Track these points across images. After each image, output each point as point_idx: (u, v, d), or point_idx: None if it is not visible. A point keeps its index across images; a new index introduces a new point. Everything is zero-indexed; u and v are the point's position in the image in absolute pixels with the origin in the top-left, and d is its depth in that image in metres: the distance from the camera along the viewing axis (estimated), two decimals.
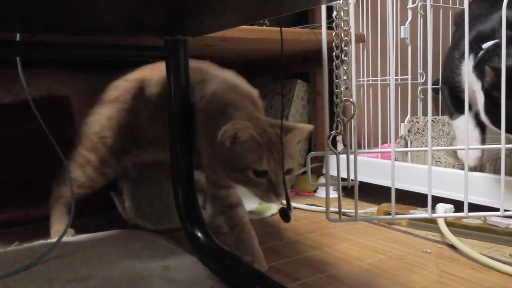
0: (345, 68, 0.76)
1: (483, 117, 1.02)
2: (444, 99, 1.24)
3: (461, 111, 1.13)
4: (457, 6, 1.59)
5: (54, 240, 0.94)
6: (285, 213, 0.79)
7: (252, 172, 0.78)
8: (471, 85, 1.04)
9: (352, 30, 0.79)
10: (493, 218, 0.99)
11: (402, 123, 1.43)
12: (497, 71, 0.88)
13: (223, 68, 0.99)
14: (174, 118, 0.93)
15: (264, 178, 0.79)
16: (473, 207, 0.94)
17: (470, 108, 1.16)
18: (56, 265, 0.85)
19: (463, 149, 0.73)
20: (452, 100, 1.20)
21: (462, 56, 1.10)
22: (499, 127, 0.81)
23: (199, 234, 0.89)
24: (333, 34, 0.79)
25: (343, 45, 0.77)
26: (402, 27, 1.33)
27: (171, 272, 0.81)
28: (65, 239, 0.93)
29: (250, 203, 1.31)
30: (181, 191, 0.93)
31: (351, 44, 0.77)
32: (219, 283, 0.78)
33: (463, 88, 1.08)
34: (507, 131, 0.83)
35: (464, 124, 1.12)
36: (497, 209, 0.72)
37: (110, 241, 0.99)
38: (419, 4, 1.36)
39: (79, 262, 0.86)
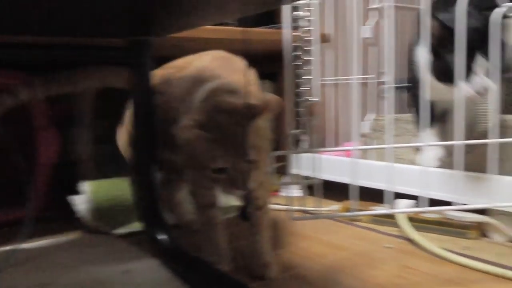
0: (307, 67, 0.77)
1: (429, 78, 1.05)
2: (410, 103, 1.27)
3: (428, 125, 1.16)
4: (420, 6, 1.63)
5: (14, 247, 0.92)
6: (243, 213, 0.77)
7: (210, 171, 0.76)
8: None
9: (317, 30, 0.79)
10: (451, 212, 1.02)
11: (365, 122, 1.46)
12: (442, 24, 0.91)
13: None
14: (136, 119, 0.91)
15: (225, 174, 0.75)
16: (433, 202, 0.96)
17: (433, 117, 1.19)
18: (17, 272, 0.83)
19: (422, 145, 0.75)
20: (414, 106, 1.22)
21: (417, 43, 1.13)
22: (443, 81, 0.84)
23: (161, 237, 0.88)
24: (296, 34, 0.80)
25: (305, 46, 0.77)
26: (365, 27, 1.35)
27: (132, 276, 0.80)
28: (25, 245, 0.91)
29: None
30: (142, 193, 0.92)
31: (314, 44, 0.78)
32: (182, 285, 0.77)
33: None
34: (444, 80, 0.87)
35: (428, 137, 1.16)
36: (455, 204, 0.74)
37: (70, 246, 0.97)
38: (383, 5, 1.38)
39: (39, 268, 0.84)
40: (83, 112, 1.32)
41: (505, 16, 0.94)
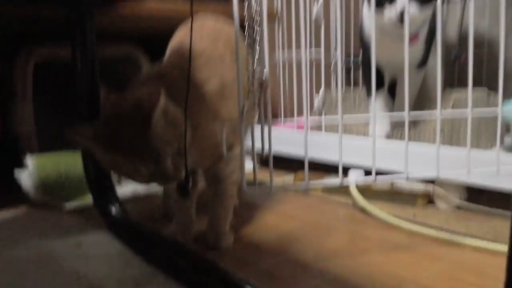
0: (257, 45, 0.76)
1: None
2: (363, 75, 1.29)
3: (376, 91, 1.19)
4: None
5: None
6: (183, 189, 0.74)
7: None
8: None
9: (264, 8, 0.78)
10: (399, 181, 1.05)
11: (316, 96, 1.47)
12: None
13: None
14: (79, 93, 0.88)
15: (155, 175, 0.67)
16: (383, 173, 0.99)
17: (383, 85, 1.22)
18: None
19: (371, 116, 0.77)
20: (366, 79, 1.25)
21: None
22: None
23: (113, 210, 0.86)
24: (245, 9, 0.78)
25: (255, 20, 0.76)
26: (315, 4, 1.35)
27: (84, 249, 0.78)
28: None
29: None
30: (92, 166, 0.89)
31: (262, 21, 0.77)
32: (135, 257, 0.76)
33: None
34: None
35: (377, 103, 1.19)
36: (403, 173, 0.77)
37: (16, 221, 0.93)
38: None
39: None
40: (24, 86, 1.25)
41: None
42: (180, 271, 0.69)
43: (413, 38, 1.07)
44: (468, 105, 0.72)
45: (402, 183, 1.05)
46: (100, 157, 0.67)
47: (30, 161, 1.06)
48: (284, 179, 1.26)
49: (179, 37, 0.88)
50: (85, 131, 0.65)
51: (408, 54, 1.01)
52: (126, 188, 1.17)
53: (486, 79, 1.45)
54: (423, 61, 1.16)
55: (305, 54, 0.79)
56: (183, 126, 0.67)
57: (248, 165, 1.28)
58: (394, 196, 1.05)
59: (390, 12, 1.01)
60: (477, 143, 1.11)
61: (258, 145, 0.70)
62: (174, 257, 0.72)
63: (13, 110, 1.24)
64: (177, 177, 0.68)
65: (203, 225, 0.84)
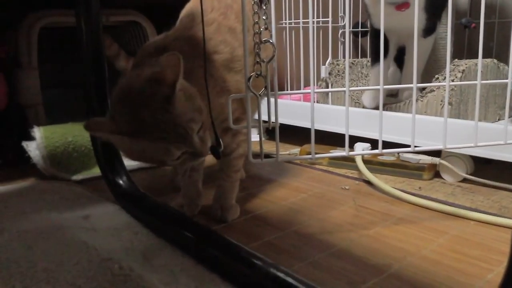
0: (264, 7, 0.74)
1: None
2: (370, 45, 1.28)
3: (379, 59, 1.18)
4: None
5: None
6: (215, 151, 0.74)
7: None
8: None
9: None
10: (405, 154, 1.05)
11: (323, 66, 1.46)
12: None
13: None
14: (84, 61, 0.87)
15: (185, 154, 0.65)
16: (389, 145, 0.99)
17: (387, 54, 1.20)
18: None
19: (378, 88, 0.76)
20: (374, 46, 1.23)
21: None
22: None
23: (121, 181, 0.87)
24: None
25: None
26: None
27: (92, 221, 0.79)
28: None
29: None
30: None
31: None
32: (144, 229, 0.77)
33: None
34: None
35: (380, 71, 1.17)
36: (409, 146, 0.76)
37: (24, 193, 0.94)
38: None
39: None
40: (29, 54, 1.24)
41: None
42: (187, 244, 0.70)
43: (401, 5, 1.06)
44: (478, 75, 0.71)
45: (408, 156, 1.05)
46: (126, 148, 0.64)
47: (38, 133, 1.06)
48: (290, 151, 1.26)
49: (190, 6, 0.86)
50: (105, 125, 0.62)
51: (401, 20, 1.00)
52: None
53: (496, 49, 1.43)
54: (429, 29, 1.13)
55: (313, 21, 0.77)
56: (197, 98, 0.66)
57: (255, 137, 1.29)
58: (400, 168, 1.05)
59: None
60: (484, 116, 1.10)
61: (264, 116, 0.69)
62: (181, 230, 0.73)
63: (19, 81, 1.24)
64: (205, 152, 0.66)
65: (210, 198, 0.85)
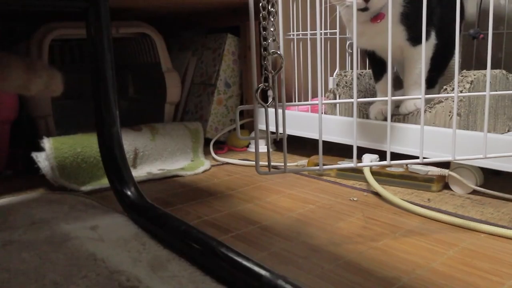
0: (272, 19, 0.75)
1: None
2: (368, 62, 1.27)
3: (379, 77, 1.18)
4: None
5: None
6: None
7: None
8: None
9: None
10: (414, 166, 1.05)
11: (331, 77, 1.46)
12: None
13: None
14: (93, 73, 0.88)
15: None
16: (397, 157, 0.98)
17: (384, 69, 1.20)
18: None
19: (386, 99, 0.76)
20: (372, 65, 1.23)
21: None
22: None
23: (129, 192, 0.87)
24: None
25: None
26: None
27: (100, 232, 0.79)
28: None
29: (182, 160, 1.30)
30: (108, 148, 0.90)
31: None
32: (151, 240, 0.77)
33: None
34: None
35: (382, 87, 1.18)
36: (418, 157, 0.76)
37: (33, 204, 0.95)
38: None
39: (2, 225, 0.82)
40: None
41: None
42: (194, 255, 0.70)
43: (376, 17, 1.03)
44: (487, 86, 0.71)
45: (417, 167, 1.04)
46: None
47: (47, 143, 1.07)
48: (298, 163, 1.26)
49: None
50: None
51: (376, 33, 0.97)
52: (142, 171, 1.19)
53: (504, 60, 1.42)
54: (416, 38, 1.10)
55: (320, 32, 0.78)
56: None
57: (262, 148, 1.29)
58: (408, 180, 1.05)
59: None
60: (494, 127, 1.10)
61: (272, 128, 0.70)
62: (188, 241, 0.73)
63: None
64: None
65: (218, 209, 0.85)
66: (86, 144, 1.11)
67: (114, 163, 0.91)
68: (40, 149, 1.08)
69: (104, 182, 1.05)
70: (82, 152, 1.10)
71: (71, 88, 1.45)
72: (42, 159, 1.06)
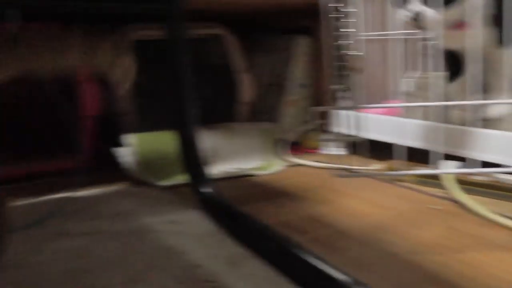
0: (349, 20, 0.73)
1: None
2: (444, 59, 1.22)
3: (455, 75, 1.14)
4: None
5: (66, 195, 0.96)
6: None
7: None
8: None
9: None
10: (502, 174, 0.98)
11: (410, 79, 1.41)
12: None
13: None
14: (173, 73, 0.91)
15: None
16: (483, 164, 0.93)
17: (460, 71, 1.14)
18: (68, 219, 0.87)
19: (467, 103, 0.72)
20: (448, 60, 1.17)
21: None
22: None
23: (205, 190, 0.89)
24: None
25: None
26: None
27: (179, 226, 0.82)
28: (76, 194, 0.94)
29: (256, 159, 1.31)
30: (186, 146, 0.93)
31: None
32: (227, 238, 0.78)
33: None
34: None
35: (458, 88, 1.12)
36: (501, 165, 0.71)
37: (117, 196, 1.00)
38: None
39: (89, 216, 0.87)
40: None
41: None
42: (270, 254, 0.71)
43: (459, 25, 1.01)
44: None
45: (504, 176, 0.98)
46: None
47: (133, 139, 1.12)
48: (373, 166, 1.23)
49: None
50: None
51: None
52: (217, 169, 1.21)
53: None
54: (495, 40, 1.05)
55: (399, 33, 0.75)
56: None
57: (336, 151, 1.27)
58: (494, 189, 0.99)
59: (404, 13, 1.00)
60: None
61: (347, 130, 0.68)
62: (264, 240, 0.73)
63: (113, 89, 1.32)
64: None
65: (296, 212, 0.85)
66: (164, 141, 1.15)
67: (192, 160, 0.93)
68: (120, 145, 1.13)
69: (180, 178, 1.08)
70: (161, 148, 1.14)
71: (153, 86, 1.51)
72: (125, 155, 1.11)
